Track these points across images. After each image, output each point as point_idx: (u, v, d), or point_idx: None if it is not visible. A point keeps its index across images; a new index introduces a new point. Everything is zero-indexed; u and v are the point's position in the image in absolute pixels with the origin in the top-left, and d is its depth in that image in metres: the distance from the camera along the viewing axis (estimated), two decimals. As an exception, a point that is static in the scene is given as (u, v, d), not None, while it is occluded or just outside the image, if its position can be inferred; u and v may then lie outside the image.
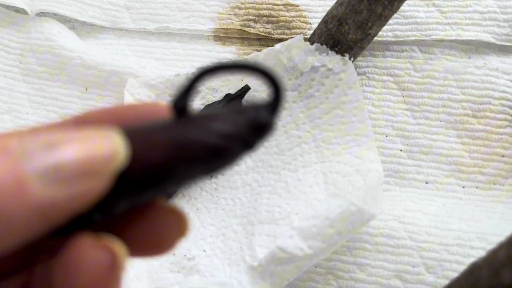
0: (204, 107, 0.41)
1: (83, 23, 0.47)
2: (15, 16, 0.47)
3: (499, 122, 0.40)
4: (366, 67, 0.42)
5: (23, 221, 0.11)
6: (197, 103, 0.42)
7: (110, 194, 0.12)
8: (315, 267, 0.37)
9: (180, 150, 0.13)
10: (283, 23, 0.44)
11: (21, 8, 0.47)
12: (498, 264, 0.23)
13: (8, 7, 0.47)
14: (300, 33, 0.43)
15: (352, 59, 0.39)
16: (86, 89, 0.44)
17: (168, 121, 0.13)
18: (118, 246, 0.12)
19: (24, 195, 0.11)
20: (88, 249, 0.12)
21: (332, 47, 0.39)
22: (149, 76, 0.42)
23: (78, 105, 0.44)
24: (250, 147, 0.13)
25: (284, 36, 0.44)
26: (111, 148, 0.12)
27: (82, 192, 0.11)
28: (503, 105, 0.40)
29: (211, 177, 0.13)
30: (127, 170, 0.12)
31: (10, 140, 0.11)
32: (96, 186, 0.11)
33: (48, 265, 0.14)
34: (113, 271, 0.12)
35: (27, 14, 0.46)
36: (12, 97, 0.45)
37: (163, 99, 0.43)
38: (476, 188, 0.40)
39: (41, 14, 0.47)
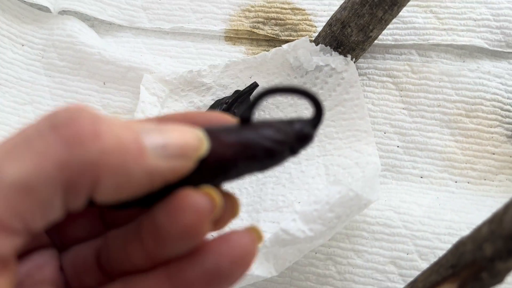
0: (214, 102, 0.44)
1: (102, 22, 0.50)
2: (39, 13, 0.50)
3: (490, 122, 0.43)
4: (367, 68, 0.45)
5: (137, 179, 0.14)
6: (209, 98, 0.45)
7: (191, 176, 0.16)
8: (315, 253, 0.40)
9: (244, 150, 0.16)
10: (290, 26, 0.47)
11: (44, 6, 0.50)
12: (481, 239, 0.25)
13: (32, 5, 0.50)
14: (306, 35, 0.46)
15: (354, 59, 0.42)
16: (104, 83, 0.47)
17: (236, 126, 0.17)
18: (215, 193, 0.15)
19: (142, 160, 0.14)
20: (194, 194, 0.15)
21: (335, 48, 0.42)
22: (164, 72, 0.45)
23: (96, 98, 0.47)
24: (295, 153, 0.17)
25: (291, 38, 0.47)
26: (198, 140, 0.15)
27: (176, 168, 0.15)
28: (494, 106, 0.43)
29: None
30: (205, 161, 0.16)
31: (131, 122, 0.15)
32: (185, 165, 0.15)
33: (124, 230, 0.17)
34: (212, 213, 0.15)
35: (50, 12, 0.49)
36: (34, 89, 0.48)
37: (176, 93, 0.45)
38: (468, 183, 0.42)
39: (63, 12, 0.50)
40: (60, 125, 0.13)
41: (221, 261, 0.16)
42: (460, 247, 0.27)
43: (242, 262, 0.16)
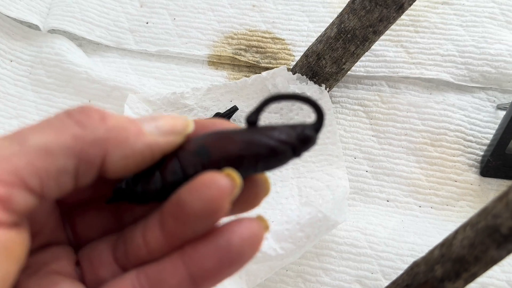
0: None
1: (90, 42, 0.52)
2: (28, 31, 0.52)
3: (453, 151, 0.46)
4: (340, 97, 0.48)
5: (140, 151, 0.17)
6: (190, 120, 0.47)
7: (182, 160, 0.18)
8: (286, 270, 0.42)
9: (248, 146, 0.17)
10: (270, 54, 0.50)
11: (34, 24, 0.51)
12: (433, 261, 0.28)
13: (22, 22, 0.52)
14: (284, 64, 0.49)
15: (327, 89, 0.45)
16: (89, 101, 0.49)
17: (243, 129, 0.18)
18: (236, 174, 0.17)
19: (141, 136, 0.17)
20: (216, 174, 0.17)
21: (311, 78, 0.45)
22: (148, 93, 0.47)
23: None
24: (297, 154, 0.18)
25: (271, 65, 0.49)
26: (185, 122, 0.18)
27: (170, 141, 0.18)
28: (457, 137, 0.46)
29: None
30: (213, 153, 0.18)
31: (132, 118, 0.18)
32: (177, 139, 0.18)
33: (143, 221, 0.19)
34: (233, 191, 0.17)
35: (40, 30, 0.51)
36: (20, 104, 0.49)
37: (159, 113, 0.47)
38: (431, 207, 0.45)
39: (52, 31, 0.52)
40: (74, 113, 0.17)
41: (233, 239, 0.17)
42: (414, 268, 0.29)
43: (252, 242, 0.17)
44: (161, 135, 0.18)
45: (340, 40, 0.41)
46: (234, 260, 0.17)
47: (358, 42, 0.41)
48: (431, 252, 0.28)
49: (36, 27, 0.52)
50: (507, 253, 0.25)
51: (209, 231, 0.17)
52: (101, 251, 0.19)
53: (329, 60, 0.43)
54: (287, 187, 0.44)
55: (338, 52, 0.42)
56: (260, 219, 0.18)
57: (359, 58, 0.43)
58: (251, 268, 0.38)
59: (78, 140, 0.16)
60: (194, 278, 0.17)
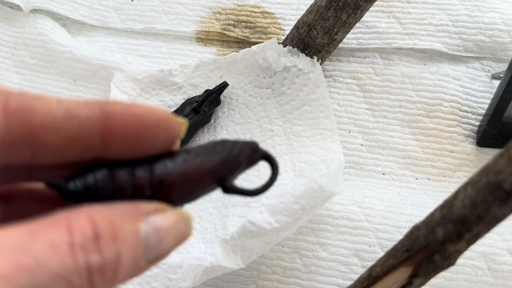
0: (185, 101, 0.45)
1: (74, 21, 0.50)
2: (10, 11, 0.50)
3: (449, 122, 0.45)
4: (333, 70, 0.47)
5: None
6: (180, 97, 0.46)
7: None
8: (282, 247, 0.41)
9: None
10: (259, 29, 0.49)
11: (15, 5, 0.50)
12: (434, 224, 0.27)
13: (3, 2, 0.50)
14: (274, 38, 0.48)
15: (319, 61, 0.44)
16: (74, 81, 0.47)
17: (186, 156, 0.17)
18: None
19: (136, 274, 0.15)
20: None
21: (302, 50, 0.43)
22: (135, 71, 0.46)
23: (66, 96, 0.47)
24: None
25: (260, 40, 0.48)
26: (189, 234, 0.16)
27: (154, 263, 0.15)
28: (452, 107, 0.45)
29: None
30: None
31: (138, 225, 0.15)
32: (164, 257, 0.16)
33: None
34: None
35: (22, 10, 0.50)
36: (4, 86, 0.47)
37: (147, 92, 0.46)
38: (428, 179, 0.44)
39: (35, 11, 0.50)
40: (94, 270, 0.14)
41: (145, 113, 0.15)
42: (414, 231, 0.28)
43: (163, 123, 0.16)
44: (154, 263, 0.15)
45: (331, 9, 0.40)
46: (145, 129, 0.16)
47: (350, 10, 0.40)
48: (432, 215, 0.27)
49: (18, 7, 0.50)
50: (511, 211, 0.25)
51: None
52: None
53: (320, 30, 0.41)
54: (281, 163, 0.43)
55: (329, 22, 0.41)
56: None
57: (351, 27, 0.42)
58: (246, 244, 0.37)
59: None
60: None
